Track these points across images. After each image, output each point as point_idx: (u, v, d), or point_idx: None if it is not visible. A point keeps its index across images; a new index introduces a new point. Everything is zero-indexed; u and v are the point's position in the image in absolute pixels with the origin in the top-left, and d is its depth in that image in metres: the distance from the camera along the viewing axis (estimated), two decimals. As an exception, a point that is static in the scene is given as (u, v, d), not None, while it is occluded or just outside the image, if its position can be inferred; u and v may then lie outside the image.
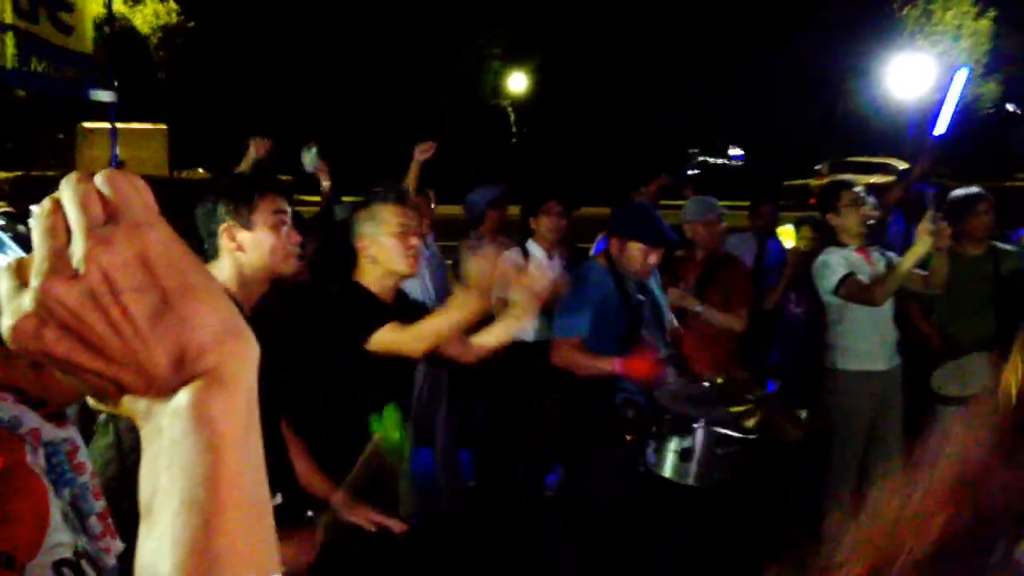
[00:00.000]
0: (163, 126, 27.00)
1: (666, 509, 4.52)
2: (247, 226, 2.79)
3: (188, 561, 0.66)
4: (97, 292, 0.68)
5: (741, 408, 4.17)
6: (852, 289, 5.10)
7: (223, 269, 2.80)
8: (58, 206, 0.71)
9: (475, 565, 5.35)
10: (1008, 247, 5.80)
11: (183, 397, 0.69)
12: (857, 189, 5.35)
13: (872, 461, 5.30)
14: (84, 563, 1.85)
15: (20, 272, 0.70)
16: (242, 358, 0.72)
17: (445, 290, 6.04)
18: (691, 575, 4.84)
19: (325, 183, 6.21)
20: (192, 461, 0.68)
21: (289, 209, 2.89)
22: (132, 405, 0.72)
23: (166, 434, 0.70)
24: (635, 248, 4.43)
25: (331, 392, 3.38)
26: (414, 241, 3.45)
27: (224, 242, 2.79)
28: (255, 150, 5.77)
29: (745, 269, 5.83)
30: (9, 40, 5.19)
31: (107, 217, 0.70)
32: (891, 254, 5.40)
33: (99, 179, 0.71)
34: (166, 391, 0.70)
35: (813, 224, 6.47)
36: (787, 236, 6.34)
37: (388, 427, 2.92)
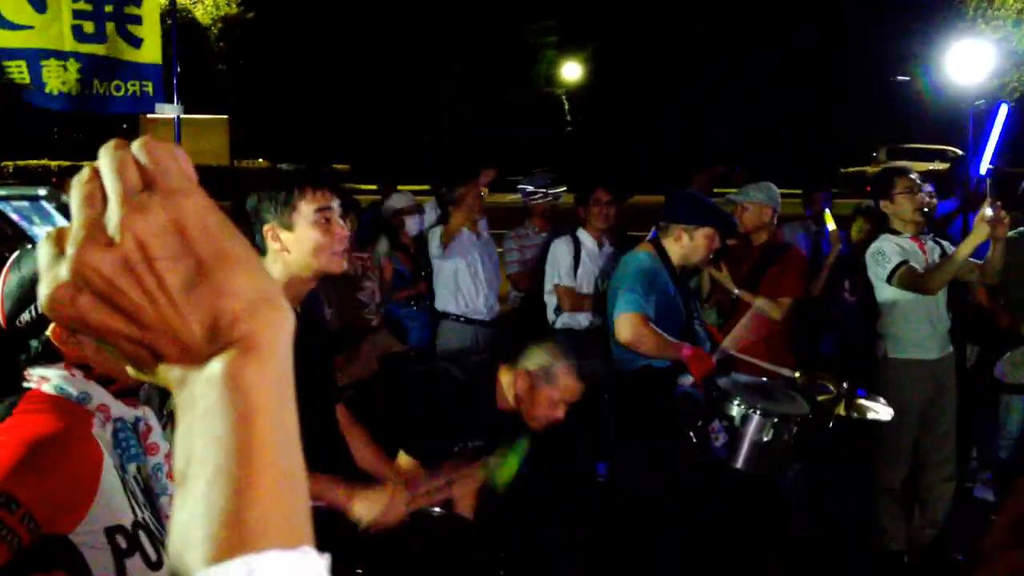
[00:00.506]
0: (224, 117, 27.34)
1: (666, 509, 4.55)
2: (288, 226, 2.73)
3: (220, 531, 0.65)
4: (132, 260, 0.68)
5: (825, 397, 4.19)
6: (906, 277, 5.05)
7: (271, 265, 2.75)
8: (96, 175, 0.71)
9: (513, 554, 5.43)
10: None
11: (216, 365, 0.69)
12: (912, 176, 5.27)
13: (925, 450, 5.30)
14: (141, 534, 1.87)
15: (59, 241, 0.71)
16: (276, 327, 0.72)
17: (495, 276, 6.17)
18: (691, 575, 4.89)
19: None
20: (225, 431, 0.68)
21: (335, 204, 2.80)
22: (167, 373, 0.71)
23: (200, 403, 0.69)
24: (704, 236, 4.44)
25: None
26: (559, 415, 3.47)
27: (270, 243, 2.75)
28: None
29: (802, 258, 5.71)
30: (71, 67, 5.32)
31: (144, 185, 0.69)
32: (945, 243, 5.37)
33: (136, 147, 0.71)
34: (200, 359, 0.70)
35: (869, 215, 6.44)
36: (828, 220, 6.33)
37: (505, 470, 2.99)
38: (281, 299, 0.73)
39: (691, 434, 4.21)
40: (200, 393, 0.69)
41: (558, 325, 5.82)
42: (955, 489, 5.45)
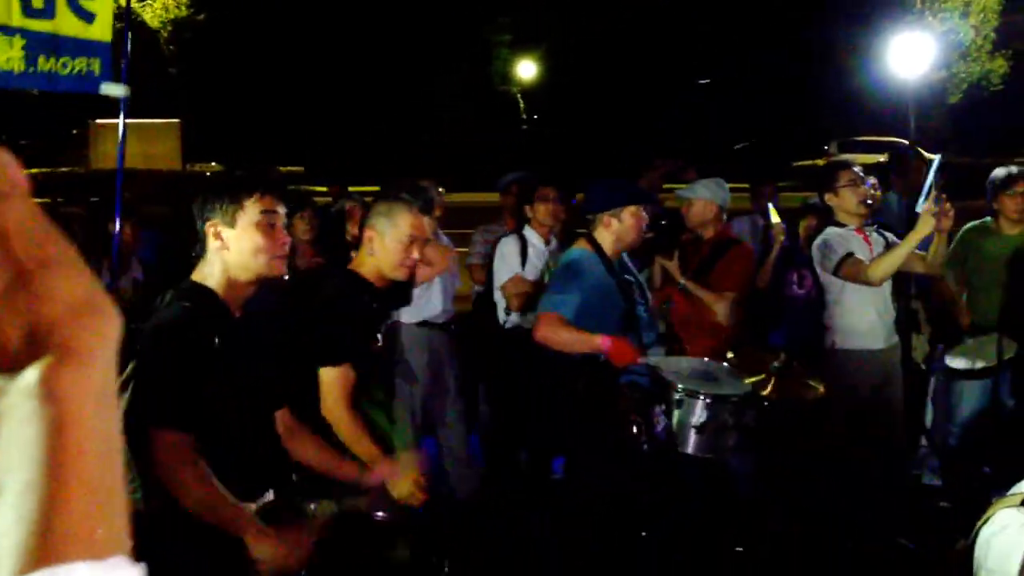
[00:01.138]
0: (175, 120, 27.06)
1: (648, 504, 4.62)
2: (231, 224, 2.76)
3: (27, 542, 0.64)
4: None
5: (756, 378, 4.24)
6: (851, 269, 5.12)
7: (211, 266, 2.79)
8: None
9: (477, 551, 5.47)
10: None
11: (32, 373, 0.67)
12: (856, 169, 5.34)
13: (872, 440, 5.31)
14: None
15: None
16: (98, 334, 0.70)
17: (452, 281, 6.15)
18: (673, 571, 4.94)
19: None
20: (37, 440, 0.66)
21: (281, 209, 2.84)
22: None
23: (16, 412, 0.67)
24: (631, 214, 4.50)
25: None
26: (415, 254, 3.60)
27: (210, 240, 2.78)
28: None
29: (749, 253, 5.76)
30: (16, 43, 5.17)
31: None
32: (890, 235, 5.47)
33: None
34: (18, 367, 0.67)
35: (816, 211, 6.50)
36: (772, 214, 6.44)
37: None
38: (106, 304, 0.71)
39: (637, 421, 4.28)
40: (17, 402, 0.67)
41: (508, 325, 5.83)
42: (904, 477, 5.55)
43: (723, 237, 5.61)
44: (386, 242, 3.56)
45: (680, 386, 4.18)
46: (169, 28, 31.56)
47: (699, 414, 4.15)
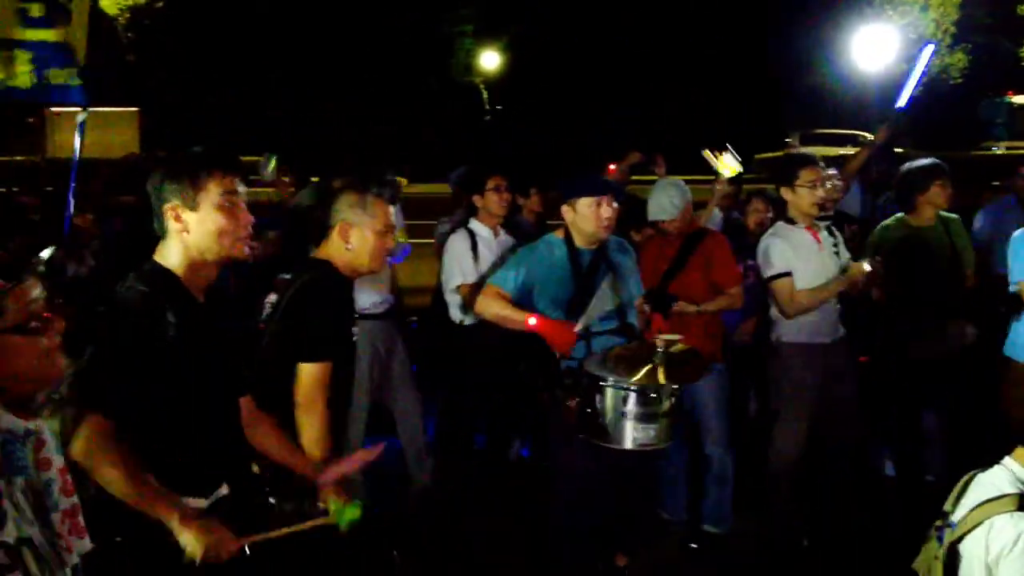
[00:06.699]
0: (134, 109, 26.72)
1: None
2: (192, 207, 2.71)
3: None
4: None
5: (646, 369, 4.09)
6: (778, 289, 5.14)
7: (172, 248, 2.74)
8: None
9: (431, 539, 5.41)
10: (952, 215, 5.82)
11: None
12: (819, 168, 5.24)
13: (824, 437, 5.27)
14: (25, 551, 1.82)
15: None
16: None
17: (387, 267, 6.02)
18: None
19: (286, 194, 6.14)
20: None
21: (242, 189, 2.79)
22: None
23: None
24: (585, 205, 4.42)
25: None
26: (390, 245, 3.58)
27: (171, 223, 2.72)
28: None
29: (725, 240, 5.64)
30: (21, 56, 4.93)
31: None
32: (839, 235, 5.40)
33: None
34: None
35: (765, 198, 6.43)
36: (724, 166, 6.43)
37: (343, 517, 2.92)
38: None
39: (574, 406, 4.19)
40: None
41: (467, 322, 5.73)
42: (861, 471, 5.51)
43: (690, 229, 5.50)
44: (365, 234, 3.51)
45: (610, 379, 4.10)
46: (127, 15, 31.10)
47: (630, 404, 4.06)
